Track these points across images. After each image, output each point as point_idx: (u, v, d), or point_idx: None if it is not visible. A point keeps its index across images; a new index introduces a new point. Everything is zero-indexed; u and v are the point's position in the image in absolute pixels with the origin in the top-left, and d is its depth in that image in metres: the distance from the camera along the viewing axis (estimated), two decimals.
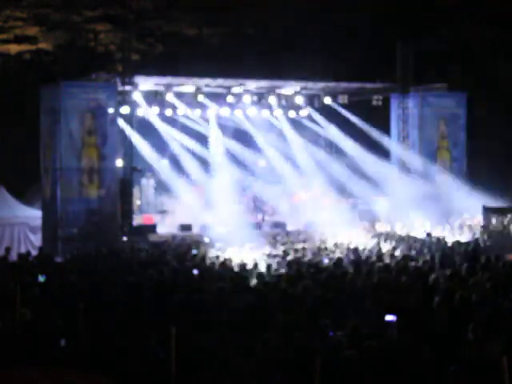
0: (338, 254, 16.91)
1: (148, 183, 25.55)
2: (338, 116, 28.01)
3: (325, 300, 10.63)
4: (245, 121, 27.09)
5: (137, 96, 23.71)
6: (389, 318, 9.28)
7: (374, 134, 26.46)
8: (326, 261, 15.79)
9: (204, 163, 26.15)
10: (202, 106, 25.88)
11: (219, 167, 26.32)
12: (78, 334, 10.00)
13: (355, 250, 17.08)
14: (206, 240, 20.66)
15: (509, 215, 22.49)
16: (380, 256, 15.69)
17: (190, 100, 25.12)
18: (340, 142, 27.81)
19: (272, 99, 26.36)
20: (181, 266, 15.12)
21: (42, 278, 13.19)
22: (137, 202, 24.44)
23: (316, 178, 27.48)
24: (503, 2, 28.67)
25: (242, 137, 27.38)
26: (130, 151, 22.70)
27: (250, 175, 26.93)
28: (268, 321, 9.71)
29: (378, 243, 18.91)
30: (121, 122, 22.51)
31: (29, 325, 10.14)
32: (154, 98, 24.53)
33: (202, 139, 26.61)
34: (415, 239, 19.37)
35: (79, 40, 27.51)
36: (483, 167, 26.53)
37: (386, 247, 18.06)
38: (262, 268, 14.53)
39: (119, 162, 22.52)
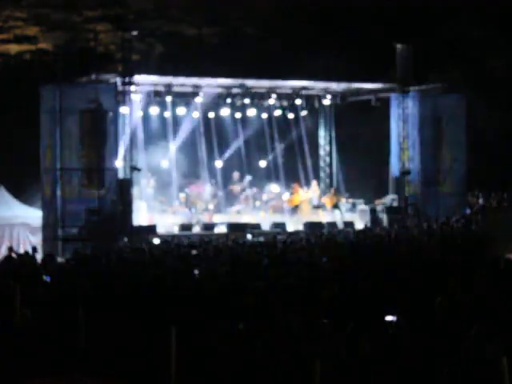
0: None
1: (148, 183, 25.54)
2: (337, 116, 28.04)
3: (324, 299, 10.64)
4: (245, 121, 27.11)
5: (137, 96, 23.72)
6: (389, 318, 9.28)
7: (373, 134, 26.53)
8: (324, 259, 15.78)
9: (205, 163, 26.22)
10: (203, 106, 25.89)
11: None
12: (78, 334, 10.02)
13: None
14: None
15: None
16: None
17: (190, 100, 25.18)
18: (339, 142, 27.88)
19: (272, 99, 26.40)
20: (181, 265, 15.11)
21: (46, 278, 13.27)
22: (137, 202, 24.41)
23: (315, 178, 27.60)
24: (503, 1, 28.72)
25: (242, 137, 27.39)
26: (129, 151, 22.69)
27: (251, 175, 26.99)
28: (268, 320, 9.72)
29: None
30: (121, 122, 22.51)
31: (29, 325, 10.14)
32: (153, 98, 24.57)
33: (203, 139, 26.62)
34: None
35: (79, 40, 27.49)
36: (483, 167, 26.56)
37: None
38: None
39: (119, 162, 22.52)
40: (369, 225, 24.59)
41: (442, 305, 9.82)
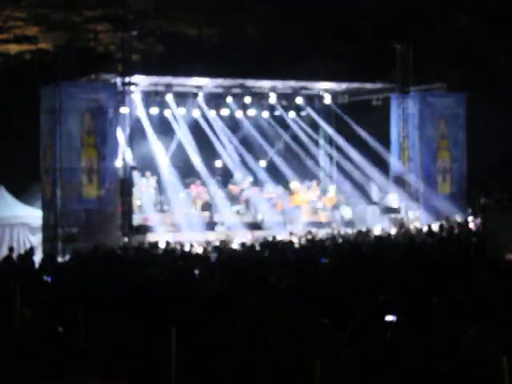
0: None
1: (148, 183, 25.52)
2: (337, 116, 28.03)
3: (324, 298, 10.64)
4: (245, 121, 27.10)
5: (136, 96, 23.73)
6: (389, 318, 9.28)
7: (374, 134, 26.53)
8: (324, 260, 15.78)
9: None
10: (202, 107, 25.88)
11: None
12: (78, 334, 10.02)
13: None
14: None
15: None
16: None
17: (190, 100, 25.19)
18: (339, 142, 27.86)
19: (272, 99, 26.40)
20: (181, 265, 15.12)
21: (46, 278, 13.30)
22: (137, 202, 24.43)
23: (315, 178, 27.60)
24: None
25: (242, 137, 27.38)
26: (129, 151, 22.69)
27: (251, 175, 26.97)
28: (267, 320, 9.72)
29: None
30: (120, 122, 22.51)
31: (29, 325, 10.14)
32: (153, 98, 24.58)
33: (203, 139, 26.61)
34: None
35: (79, 40, 27.47)
36: (483, 167, 26.56)
37: None
38: None
39: (119, 162, 22.53)
40: (369, 225, 24.59)
41: (439, 305, 9.83)
